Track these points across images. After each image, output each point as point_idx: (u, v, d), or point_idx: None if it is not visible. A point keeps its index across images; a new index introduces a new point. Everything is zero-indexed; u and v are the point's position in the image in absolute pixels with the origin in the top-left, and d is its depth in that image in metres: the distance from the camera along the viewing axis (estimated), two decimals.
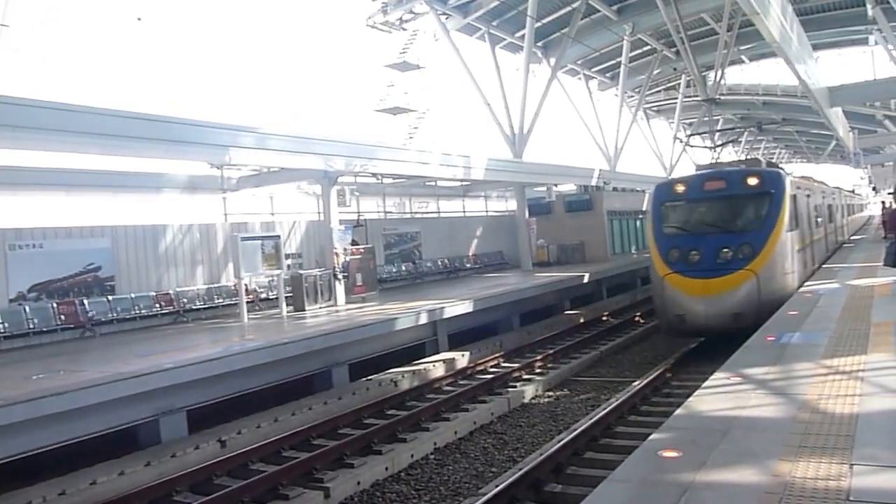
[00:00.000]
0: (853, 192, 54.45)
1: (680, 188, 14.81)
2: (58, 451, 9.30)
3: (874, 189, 57.53)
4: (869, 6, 23.84)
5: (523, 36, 27.03)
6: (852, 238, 32.17)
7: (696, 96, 34.25)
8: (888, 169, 42.00)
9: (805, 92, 24.96)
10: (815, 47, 27.92)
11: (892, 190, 36.67)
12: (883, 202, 33.21)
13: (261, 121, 28.43)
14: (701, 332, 14.04)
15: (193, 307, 17.49)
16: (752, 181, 13.83)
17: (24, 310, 14.57)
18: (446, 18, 26.61)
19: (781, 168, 17.06)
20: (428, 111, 32.89)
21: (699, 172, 16.26)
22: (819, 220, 19.28)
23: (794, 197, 14.42)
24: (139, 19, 32.87)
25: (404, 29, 28.35)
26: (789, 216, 13.69)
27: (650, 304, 17.97)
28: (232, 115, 78.76)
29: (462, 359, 15.42)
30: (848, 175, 61.21)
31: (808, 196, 17.18)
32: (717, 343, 12.66)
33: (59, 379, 10.16)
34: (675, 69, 37.78)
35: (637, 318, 20.35)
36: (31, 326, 14.53)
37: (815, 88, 23.69)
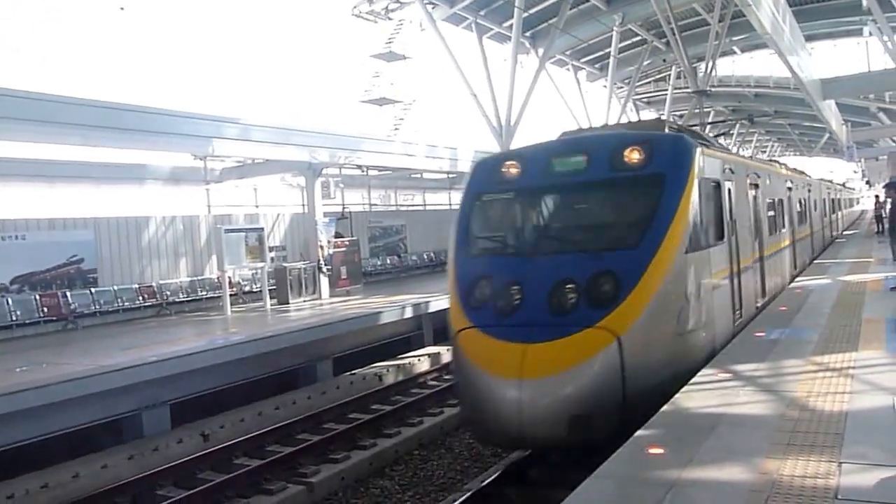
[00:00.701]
0: (844, 185, 53.84)
1: (510, 170, 8.38)
2: (40, 444, 9.23)
3: (868, 183, 57.48)
4: None
5: (511, 26, 26.85)
6: (844, 233, 32.16)
7: (687, 88, 34.14)
8: (882, 162, 41.93)
9: (797, 84, 24.91)
10: (809, 38, 27.86)
11: (885, 183, 36.72)
12: (877, 196, 33.15)
13: (245, 112, 28.22)
14: (516, 444, 7.81)
15: (176, 300, 17.31)
16: (634, 156, 7.65)
17: (7, 302, 14.42)
18: (433, 8, 26.32)
19: (693, 132, 10.60)
20: (414, 102, 32.66)
21: (551, 140, 9.49)
22: (782, 224, 13.31)
23: (716, 185, 8.48)
24: (122, 9, 32.56)
25: (390, 18, 28.09)
26: (697, 220, 7.61)
27: None
28: (216, 105, 78.41)
29: (447, 353, 15.31)
30: (842, 168, 61.50)
31: (757, 186, 11.02)
32: None
33: (41, 372, 10.12)
34: (664, 60, 37.60)
35: None
36: (14, 318, 14.37)
37: (807, 81, 23.65)
